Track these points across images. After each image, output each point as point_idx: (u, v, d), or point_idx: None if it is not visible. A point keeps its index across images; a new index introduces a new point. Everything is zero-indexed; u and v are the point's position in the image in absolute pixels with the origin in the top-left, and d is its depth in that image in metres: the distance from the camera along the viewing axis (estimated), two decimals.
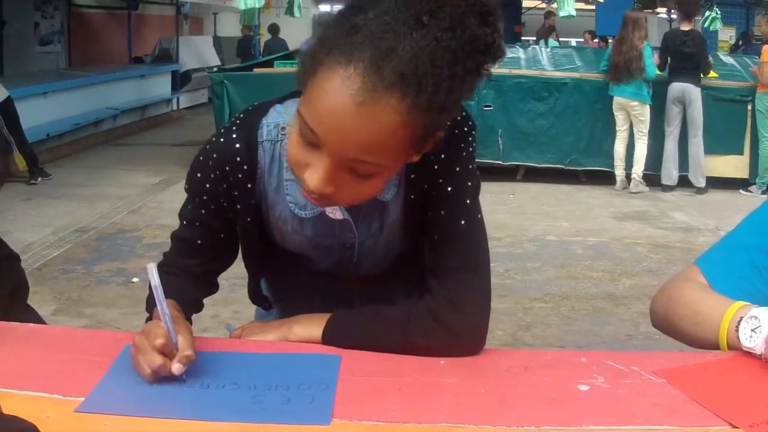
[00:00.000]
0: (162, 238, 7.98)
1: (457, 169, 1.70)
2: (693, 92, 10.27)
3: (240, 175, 1.70)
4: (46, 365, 1.52)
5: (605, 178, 10.92)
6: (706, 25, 15.92)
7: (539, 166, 11.01)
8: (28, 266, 6.96)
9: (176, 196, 10.11)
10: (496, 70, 10.97)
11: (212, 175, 1.71)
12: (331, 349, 1.66)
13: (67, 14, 16.73)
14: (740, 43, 18.26)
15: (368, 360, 1.62)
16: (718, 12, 16.16)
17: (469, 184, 1.72)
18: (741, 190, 10.54)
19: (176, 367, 1.45)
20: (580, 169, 11.12)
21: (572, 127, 10.99)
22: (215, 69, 13.81)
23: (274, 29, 18.91)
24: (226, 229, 1.81)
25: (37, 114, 11.73)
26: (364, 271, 1.89)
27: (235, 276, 2.07)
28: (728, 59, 11.73)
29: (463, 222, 1.69)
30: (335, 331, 1.71)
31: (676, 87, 10.29)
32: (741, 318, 1.58)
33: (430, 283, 1.70)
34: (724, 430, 1.33)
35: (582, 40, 17.57)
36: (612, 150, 10.67)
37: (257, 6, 12.04)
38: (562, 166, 11.08)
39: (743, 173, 10.76)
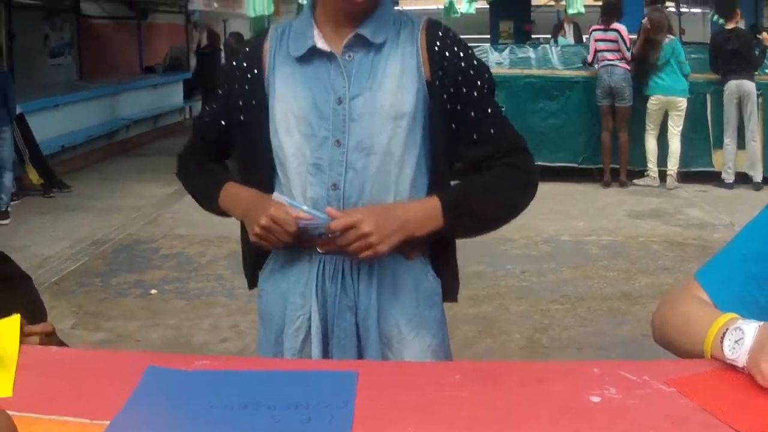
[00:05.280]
0: (178, 248, 8.04)
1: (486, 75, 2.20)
2: (749, 88, 10.29)
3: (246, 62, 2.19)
4: (71, 389, 1.57)
5: (619, 176, 10.87)
6: (714, 18, 15.87)
7: (552, 165, 11.00)
8: (46, 280, 7.02)
9: (191, 206, 10.06)
10: (508, 70, 11.05)
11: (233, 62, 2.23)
12: (348, 366, 1.70)
13: (76, 26, 16.79)
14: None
15: (384, 375, 1.66)
16: None
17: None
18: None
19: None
20: (593, 167, 11.11)
21: (584, 125, 11.00)
22: None
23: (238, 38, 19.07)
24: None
25: (50, 127, 11.78)
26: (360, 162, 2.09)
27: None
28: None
29: (492, 112, 2.20)
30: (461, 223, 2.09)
31: (732, 84, 10.26)
32: (727, 329, 1.60)
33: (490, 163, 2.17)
34: None
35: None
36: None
37: (267, 13, 12.08)
38: (576, 165, 11.09)
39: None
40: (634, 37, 10.65)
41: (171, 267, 7.53)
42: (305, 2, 2.20)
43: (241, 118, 2.18)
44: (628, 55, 10.43)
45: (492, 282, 6.96)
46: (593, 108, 10.81)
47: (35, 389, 1.56)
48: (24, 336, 1.82)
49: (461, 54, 2.13)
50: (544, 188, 8.45)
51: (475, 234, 2.19)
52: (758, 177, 10.43)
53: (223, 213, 2.25)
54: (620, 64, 10.46)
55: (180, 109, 18.56)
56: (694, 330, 1.70)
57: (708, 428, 1.39)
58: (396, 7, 2.30)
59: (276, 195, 2.01)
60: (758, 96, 10.42)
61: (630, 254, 7.81)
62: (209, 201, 2.27)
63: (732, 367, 1.58)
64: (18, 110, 10.20)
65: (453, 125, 2.13)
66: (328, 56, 2.09)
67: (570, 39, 15.66)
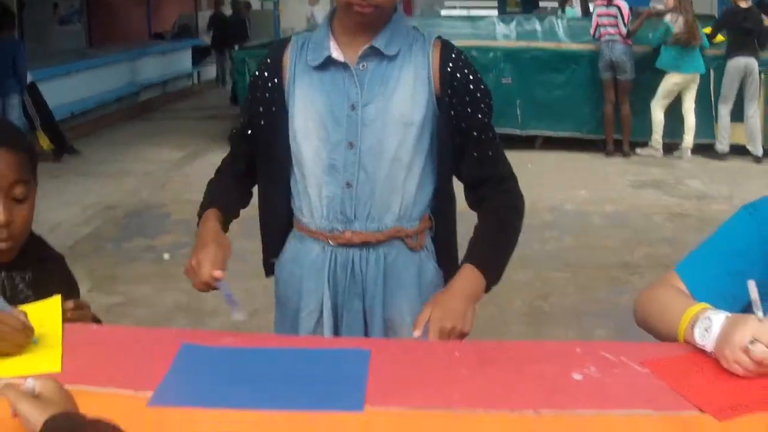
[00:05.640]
0: (189, 213, 8.04)
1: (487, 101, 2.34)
2: (753, 65, 10.53)
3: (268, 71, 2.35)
4: (114, 363, 1.78)
5: (622, 146, 11.04)
6: None
7: (557, 135, 11.18)
8: (60, 245, 7.10)
9: (201, 169, 10.23)
10: (514, 43, 11.19)
11: (257, 73, 2.39)
12: (362, 343, 1.93)
13: None
14: None
15: (393, 352, 1.88)
16: None
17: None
18: None
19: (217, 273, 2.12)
20: (597, 137, 11.25)
21: (589, 97, 11.16)
22: (236, 46, 14.00)
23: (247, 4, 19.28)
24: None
25: (61, 94, 11.92)
26: (371, 165, 2.29)
27: None
28: None
29: (492, 136, 2.36)
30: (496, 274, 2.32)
31: (741, 61, 10.50)
32: (698, 318, 1.81)
33: (486, 189, 2.36)
34: (694, 415, 1.56)
35: None
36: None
37: None
38: (580, 135, 11.26)
39: None
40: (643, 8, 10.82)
41: (182, 232, 7.58)
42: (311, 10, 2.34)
43: (262, 123, 2.35)
44: (623, 30, 10.64)
45: None
46: (597, 80, 10.96)
47: (81, 364, 1.76)
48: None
49: (471, 77, 2.30)
50: (549, 157, 8.62)
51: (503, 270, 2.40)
52: (758, 151, 10.61)
53: None
54: (621, 39, 10.67)
55: (189, 75, 18.73)
56: (670, 317, 1.90)
57: (674, 405, 1.59)
58: None
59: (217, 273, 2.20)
60: (760, 73, 10.59)
61: (631, 224, 7.98)
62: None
63: (702, 352, 1.78)
64: (30, 78, 10.39)
65: (457, 140, 2.31)
66: (343, 66, 2.26)
67: (577, 9, 15.75)
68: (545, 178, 9.68)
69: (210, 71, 19.57)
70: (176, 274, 6.58)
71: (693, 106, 10.67)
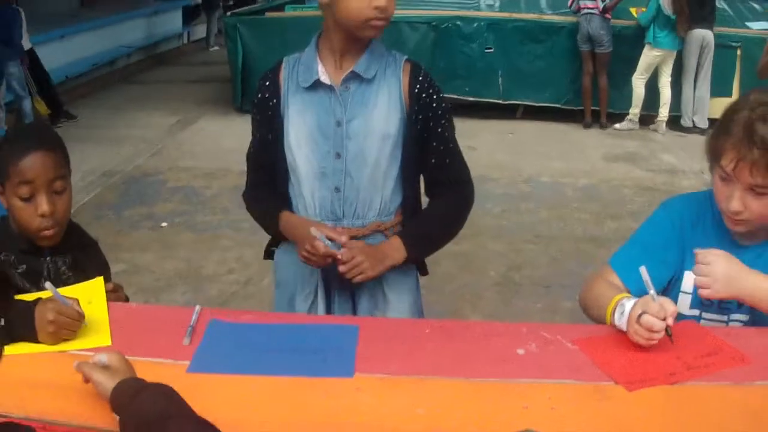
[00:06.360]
0: (184, 181, 8.55)
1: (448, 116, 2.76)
2: (710, 38, 10.80)
3: (268, 93, 2.75)
4: (154, 336, 2.22)
5: (600, 118, 11.34)
6: None
7: (537, 105, 11.54)
8: None
9: (194, 137, 10.71)
10: (497, 13, 11.49)
11: (258, 95, 2.78)
12: (351, 321, 2.43)
13: None
14: None
15: (376, 328, 2.34)
16: None
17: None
18: None
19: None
20: (575, 108, 11.56)
21: (568, 68, 11.47)
22: (228, 13, 14.21)
23: None
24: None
25: (55, 57, 12.09)
26: (355, 170, 2.69)
27: None
28: (720, 4, 12.11)
29: (451, 146, 2.77)
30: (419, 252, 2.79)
31: (698, 33, 10.74)
32: (617, 305, 2.27)
33: (442, 189, 2.80)
34: (610, 386, 2.02)
35: None
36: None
37: None
38: (559, 106, 11.59)
39: None
40: None
41: (179, 200, 8.03)
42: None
43: (269, 137, 2.77)
44: (600, 5, 10.82)
45: (473, 220, 7.35)
46: (578, 52, 11.24)
47: (127, 338, 2.20)
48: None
49: (434, 96, 2.71)
50: (529, 127, 9.05)
51: (433, 252, 2.89)
52: (706, 123, 10.90)
53: (284, 237, 2.84)
54: (598, 13, 10.86)
55: (179, 35, 18.94)
56: (601, 304, 2.37)
57: (595, 377, 2.05)
58: None
59: (312, 230, 2.60)
60: (737, 48, 10.91)
61: (602, 197, 8.33)
62: (273, 228, 2.85)
63: (621, 332, 2.24)
64: (29, 45, 10.61)
65: (421, 148, 2.74)
66: (330, 87, 2.67)
67: None
68: (525, 149, 10.02)
69: (200, 31, 19.80)
70: (174, 242, 7.07)
71: (669, 80, 10.92)
